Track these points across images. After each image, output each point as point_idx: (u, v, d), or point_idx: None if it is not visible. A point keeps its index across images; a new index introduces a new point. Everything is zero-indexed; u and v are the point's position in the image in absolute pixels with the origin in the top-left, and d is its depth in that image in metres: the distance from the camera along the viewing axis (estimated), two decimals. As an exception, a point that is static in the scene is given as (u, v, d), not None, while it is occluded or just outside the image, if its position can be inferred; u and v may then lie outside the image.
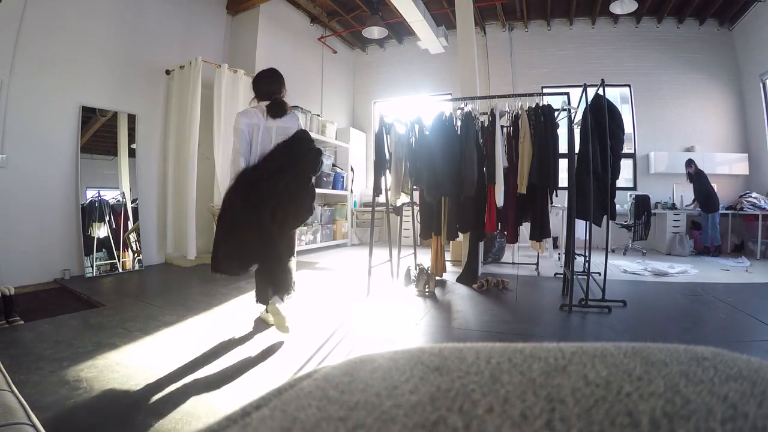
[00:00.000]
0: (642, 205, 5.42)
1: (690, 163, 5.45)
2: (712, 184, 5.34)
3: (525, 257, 4.63)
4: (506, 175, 3.04)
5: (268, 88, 2.38)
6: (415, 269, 3.29)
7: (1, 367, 0.79)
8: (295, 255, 2.44)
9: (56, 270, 3.41)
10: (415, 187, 3.58)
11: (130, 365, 1.70)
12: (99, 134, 3.84)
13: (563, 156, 3.06)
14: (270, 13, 5.43)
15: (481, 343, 0.19)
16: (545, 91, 5.81)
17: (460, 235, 3.52)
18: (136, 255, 3.94)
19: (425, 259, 3.73)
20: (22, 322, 2.26)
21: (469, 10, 4.29)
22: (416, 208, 4.11)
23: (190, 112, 4.12)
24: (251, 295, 3.02)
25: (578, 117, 3.21)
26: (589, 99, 2.93)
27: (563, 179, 2.97)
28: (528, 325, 2.49)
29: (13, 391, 0.68)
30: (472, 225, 3.30)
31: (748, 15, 5.64)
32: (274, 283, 2.23)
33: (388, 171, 3.43)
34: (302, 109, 5.26)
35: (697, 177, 5.36)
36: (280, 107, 2.34)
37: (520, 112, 3.05)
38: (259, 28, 5.26)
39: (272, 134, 2.27)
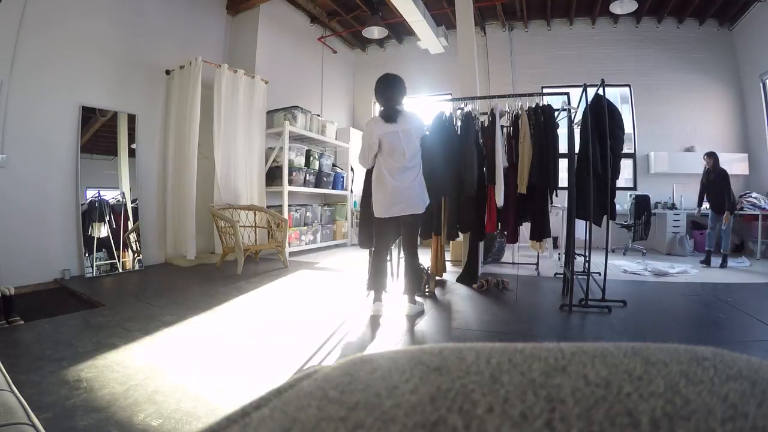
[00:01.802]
0: (642, 205, 5.42)
1: (712, 155, 4.68)
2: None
3: (525, 257, 4.63)
4: (506, 175, 3.04)
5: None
6: (415, 269, 3.29)
7: (1, 367, 0.79)
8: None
9: (56, 270, 3.42)
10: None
11: (130, 365, 1.70)
12: (99, 134, 3.84)
13: (563, 156, 3.06)
14: (270, 13, 5.43)
15: (481, 343, 0.19)
16: (545, 91, 5.81)
17: (460, 235, 3.52)
18: (136, 255, 3.94)
19: (425, 259, 3.73)
20: (22, 322, 2.26)
21: (469, 10, 4.29)
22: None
23: (190, 112, 4.12)
24: (251, 294, 3.03)
25: (578, 117, 3.21)
26: (589, 99, 2.93)
27: (563, 179, 2.97)
28: (528, 325, 2.49)
29: (13, 391, 0.68)
30: (472, 225, 3.30)
31: (748, 15, 5.64)
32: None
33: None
34: (302, 109, 5.27)
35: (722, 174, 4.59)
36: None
37: (520, 112, 3.06)
38: (259, 28, 5.26)
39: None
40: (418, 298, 2.69)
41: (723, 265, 4.47)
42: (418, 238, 2.72)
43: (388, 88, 2.48)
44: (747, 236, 5.54)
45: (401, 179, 2.49)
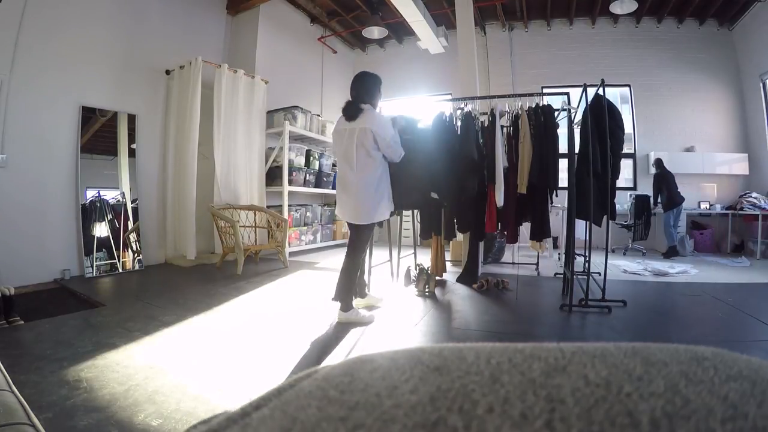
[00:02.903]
0: (642, 205, 5.43)
1: (660, 163, 5.39)
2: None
3: (525, 257, 4.63)
4: (506, 175, 3.04)
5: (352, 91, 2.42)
6: (415, 269, 3.29)
7: (1, 367, 0.79)
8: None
9: (56, 270, 3.41)
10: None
11: (130, 365, 1.70)
12: (99, 134, 3.84)
13: (563, 156, 3.06)
14: (270, 13, 5.43)
15: (481, 343, 0.19)
16: (545, 91, 5.81)
17: (460, 235, 3.52)
18: (136, 255, 3.94)
19: (425, 259, 3.73)
20: (22, 322, 2.26)
21: (469, 10, 4.29)
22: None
23: (190, 112, 4.12)
24: (251, 294, 3.03)
25: (578, 117, 3.21)
26: (589, 99, 2.93)
27: (563, 179, 2.97)
28: (528, 325, 2.49)
29: (13, 391, 0.68)
30: (472, 225, 3.29)
31: (748, 15, 5.64)
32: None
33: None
34: (302, 109, 5.27)
35: (662, 177, 5.30)
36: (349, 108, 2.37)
37: (520, 112, 3.05)
38: (259, 28, 5.26)
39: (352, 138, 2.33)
40: (362, 310, 2.50)
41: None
42: (362, 247, 2.48)
43: (356, 84, 2.37)
44: (747, 236, 5.54)
45: (348, 184, 2.36)
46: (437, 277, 3.49)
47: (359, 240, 2.46)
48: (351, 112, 2.33)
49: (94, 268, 3.59)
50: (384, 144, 2.31)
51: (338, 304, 2.42)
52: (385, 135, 2.30)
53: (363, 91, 2.36)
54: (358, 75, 2.41)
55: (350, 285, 2.42)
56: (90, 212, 3.66)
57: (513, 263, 4.46)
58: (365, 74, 2.41)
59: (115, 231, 3.80)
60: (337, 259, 4.90)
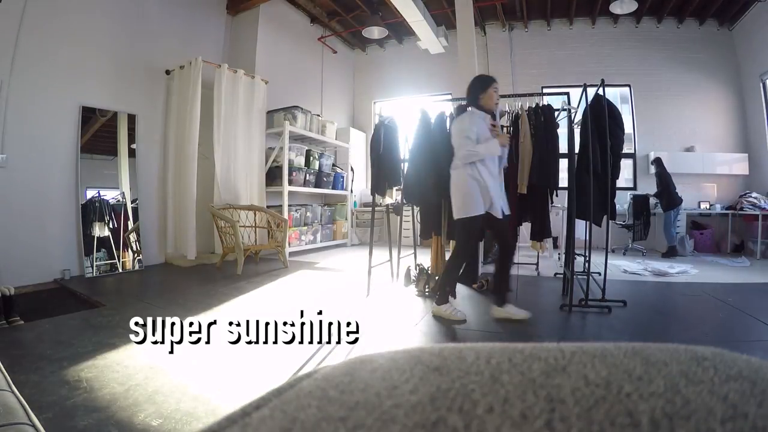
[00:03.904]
0: (641, 205, 5.43)
1: (660, 162, 5.44)
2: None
3: (525, 257, 4.62)
4: (506, 175, 3.04)
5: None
6: (415, 269, 3.29)
7: (1, 367, 0.79)
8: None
9: (56, 270, 3.41)
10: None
11: (130, 365, 1.70)
12: (99, 134, 3.84)
13: (563, 156, 3.06)
14: (270, 13, 5.43)
15: (481, 343, 0.19)
16: (545, 91, 5.81)
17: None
18: (136, 255, 3.94)
19: (425, 259, 3.73)
20: (22, 322, 2.26)
21: (469, 10, 4.29)
22: (416, 208, 4.09)
23: (190, 112, 4.12)
24: (251, 294, 3.03)
25: (578, 117, 3.21)
26: (589, 99, 2.92)
27: (563, 179, 2.97)
28: (528, 325, 2.49)
29: (13, 391, 0.68)
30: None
31: (748, 15, 5.64)
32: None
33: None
34: (302, 109, 5.27)
35: (664, 176, 5.35)
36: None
37: (520, 112, 3.05)
38: (259, 28, 5.26)
39: None
40: (453, 308, 2.43)
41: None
42: (459, 240, 2.49)
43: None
44: (747, 236, 5.54)
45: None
46: (437, 277, 3.49)
47: (457, 237, 2.53)
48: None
49: (94, 268, 3.59)
50: (453, 140, 2.47)
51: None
52: (455, 132, 2.46)
53: (468, 95, 2.52)
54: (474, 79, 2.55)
55: (448, 280, 2.50)
56: (90, 212, 3.66)
57: (513, 263, 4.45)
58: (472, 79, 2.54)
59: (114, 231, 3.80)
60: (336, 259, 4.90)
